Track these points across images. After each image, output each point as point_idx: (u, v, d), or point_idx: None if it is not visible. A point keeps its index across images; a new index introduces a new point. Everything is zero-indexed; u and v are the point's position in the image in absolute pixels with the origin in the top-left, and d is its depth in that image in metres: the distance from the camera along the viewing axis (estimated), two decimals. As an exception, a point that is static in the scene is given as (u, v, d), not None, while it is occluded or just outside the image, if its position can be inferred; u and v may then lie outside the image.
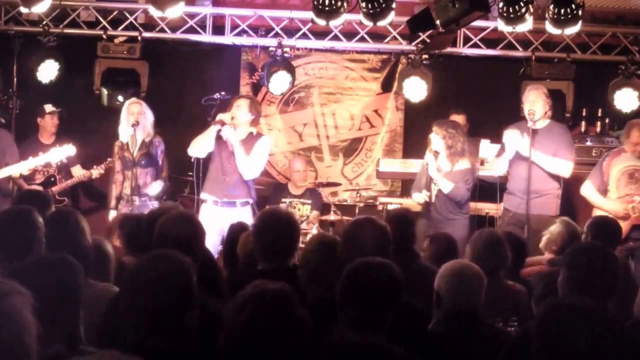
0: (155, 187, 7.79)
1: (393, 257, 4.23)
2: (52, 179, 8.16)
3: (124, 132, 7.79)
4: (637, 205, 7.05)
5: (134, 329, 2.64)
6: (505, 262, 4.94)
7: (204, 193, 7.42)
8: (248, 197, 7.38)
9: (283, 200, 8.62)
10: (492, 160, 7.73)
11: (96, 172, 8.03)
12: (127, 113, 7.74)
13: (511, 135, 7.36)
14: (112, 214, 7.68)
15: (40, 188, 8.00)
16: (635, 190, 7.11)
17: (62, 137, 8.21)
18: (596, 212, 7.13)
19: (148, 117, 7.78)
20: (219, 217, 7.15)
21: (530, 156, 7.19)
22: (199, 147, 7.36)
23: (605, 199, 7.19)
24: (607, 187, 7.21)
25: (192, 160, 7.44)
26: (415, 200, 7.57)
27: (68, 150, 7.66)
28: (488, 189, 8.18)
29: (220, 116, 7.32)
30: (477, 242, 4.96)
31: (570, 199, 7.87)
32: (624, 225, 6.90)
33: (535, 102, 7.32)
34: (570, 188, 7.84)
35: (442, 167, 7.39)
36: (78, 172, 8.20)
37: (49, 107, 8.33)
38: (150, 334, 2.62)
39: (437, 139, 7.38)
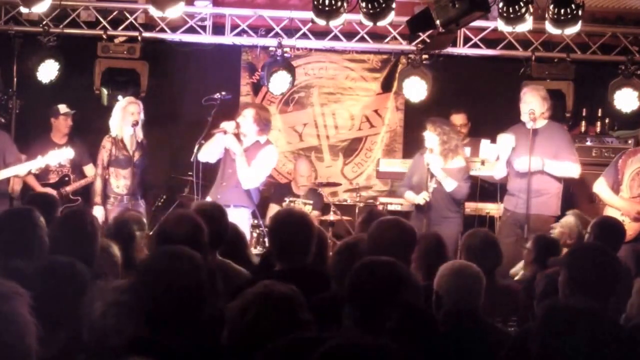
0: None
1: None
2: (66, 179, 8.20)
3: (117, 129, 7.72)
4: None
5: (146, 325, 2.64)
6: (499, 262, 4.95)
7: (208, 196, 7.36)
8: (242, 202, 7.14)
9: (285, 199, 8.62)
10: (492, 162, 7.72)
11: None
12: (125, 112, 7.69)
13: (504, 138, 7.38)
14: (98, 210, 7.50)
15: (49, 189, 8.05)
16: None
17: (75, 138, 8.26)
18: (608, 210, 7.12)
19: (141, 117, 7.77)
20: None
21: (530, 157, 7.18)
22: (206, 153, 7.26)
23: (619, 197, 7.16)
24: (620, 185, 7.17)
25: (192, 160, 7.43)
26: (409, 200, 7.52)
27: (66, 153, 7.63)
28: (488, 189, 8.18)
29: (223, 124, 7.16)
30: (470, 243, 4.96)
31: (572, 199, 7.86)
32: (636, 226, 6.89)
33: (531, 103, 7.32)
34: (571, 188, 7.84)
35: (439, 164, 7.38)
36: (91, 171, 8.23)
37: (63, 108, 8.36)
38: (163, 330, 2.62)
39: (431, 136, 7.38)
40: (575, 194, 7.89)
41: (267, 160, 7.23)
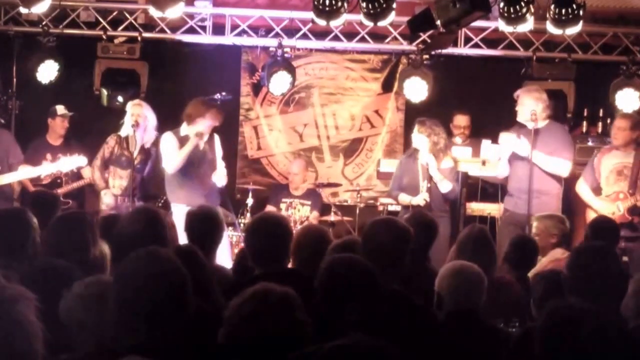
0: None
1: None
2: (59, 181, 8.12)
3: (126, 131, 7.74)
4: (623, 201, 7.08)
5: (130, 331, 2.61)
6: (493, 260, 4.94)
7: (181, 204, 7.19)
8: (218, 203, 7.14)
9: (283, 200, 8.61)
10: (494, 162, 7.71)
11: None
12: (129, 114, 7.72)
13: (506, 137, 7.36)
14: (108, 195, 7.67)
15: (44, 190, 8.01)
16: (625, 186, 7.13)
17: (71, 140, 8.21)
18: (589, 211, 7.19)
19: (150, 119, 7.70)
20: None
21: (531, 157, 7.18)
22: (181, 161, 7.18)
23: (596, 197, 7.24)
24: (599, 184, 7.25)
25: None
26: (405, 202, 7.44)
27: (79, 161, 7.62)
28: (489, 190, 8.17)
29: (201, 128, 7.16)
30: (462, 241, 4.95)
31: (575, 199, 7.86)
32: None
33: (527, 104, 7.29)
34: (571, 188, 7.84)
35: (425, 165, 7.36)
36: (87, 173, 8.16)
37: (60, 109, 8.26)
38: (148, 335, 2.60)
39: (420, 137, 7.32)
40: (578, 194, 7.87)
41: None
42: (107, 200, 7.63)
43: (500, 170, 7.57)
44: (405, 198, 7.40)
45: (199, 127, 7.09)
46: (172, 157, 7.11)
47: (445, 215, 7.35)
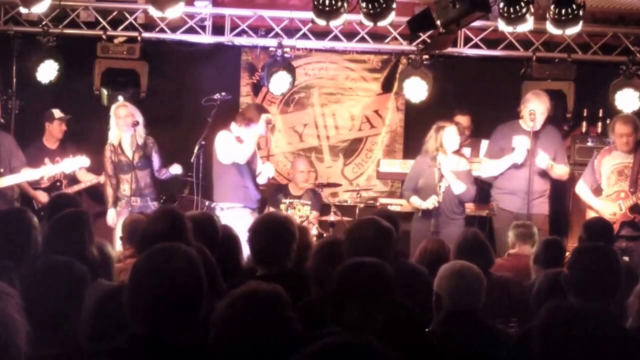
0: (177, 168, 7.93)
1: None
2: (58, 184, 8.11)
3: (115, 135, 7.78)
4: (625, 200, 7.10)
5: (143, 323, 2.62)
6: (490, 262, 4.94)
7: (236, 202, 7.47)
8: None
9: (283, 201, 8.60)
10: (484, 160, 7.73)
11: (103, 177, 7.99)
12: (115, 117, 7.75)
13: (520, 140, 7.38)
14: (111, 212, 7.78)
15: (41, 192, 8.00)
16: (626, 186, 7.15)
17: (67, 143, 8.19)
18: (590, 212, 7.21)
19: (138, 117, 7.75)
20: None
21: (534, 158, 7.24)
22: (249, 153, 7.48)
23: (597, 198, 7.27)
24: (599, 185, 7.28)
25: (192, 160, 7.43)
26: (416, 205, 7.43)
27: (82, 161, 7.62)
28: (488, 190, 8.16)
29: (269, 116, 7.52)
30: (460, 243, 4.95)
31: (575, 199, 7.89)
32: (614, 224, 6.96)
33: (538, 108, 7.36)
34: (568, 188, 7.88)
35: (449, 166, 7.36)
36: (84, 176, 8.13)
37: (57, 113, 8.25)
38: (160, 328, 2.61)
39: (457, 138, 7.35)
40: (574, 195, 7.92)
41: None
42: (109, 218, 7.80)
43: (496, 168, 7.57)
44: (417, 201, 7.38)
45: (257, 129, 7.33)
46: (239, 148, 7.34)
47: (459, 217, 7.34)
